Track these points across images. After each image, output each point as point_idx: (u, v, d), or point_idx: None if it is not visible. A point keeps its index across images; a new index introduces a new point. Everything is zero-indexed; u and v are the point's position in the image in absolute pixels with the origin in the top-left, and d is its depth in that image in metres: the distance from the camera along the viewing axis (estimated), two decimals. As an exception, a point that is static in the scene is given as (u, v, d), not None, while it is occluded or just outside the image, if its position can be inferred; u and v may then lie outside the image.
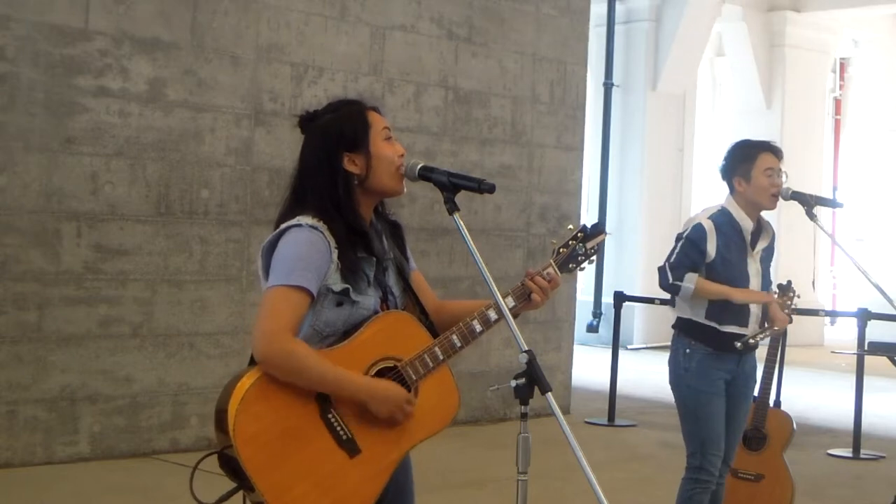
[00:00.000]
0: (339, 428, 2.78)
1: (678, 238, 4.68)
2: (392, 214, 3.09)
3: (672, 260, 4.61)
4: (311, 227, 2.83)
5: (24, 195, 6.34)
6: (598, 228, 3.08)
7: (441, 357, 2.88)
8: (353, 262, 2.86)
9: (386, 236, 3.02)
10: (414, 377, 2.85)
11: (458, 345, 2.89)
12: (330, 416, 2.77)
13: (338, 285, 2.84)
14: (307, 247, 2.81)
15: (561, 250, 3.04)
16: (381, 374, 2.85)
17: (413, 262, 3.12)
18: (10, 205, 6.29)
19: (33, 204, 6.37)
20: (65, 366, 6.46)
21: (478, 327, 2.91)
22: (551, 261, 3.03)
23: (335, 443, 2.77)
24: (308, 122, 2.99)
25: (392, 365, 2.86)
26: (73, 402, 6.50)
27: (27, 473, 6.20)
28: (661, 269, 4.63)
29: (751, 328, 4.63)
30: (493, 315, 2.92)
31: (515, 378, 2.71)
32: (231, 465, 2.72)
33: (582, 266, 3.07)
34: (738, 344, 4.57)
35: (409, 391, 2.85)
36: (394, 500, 2.96)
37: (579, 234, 3.05)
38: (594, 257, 3.07)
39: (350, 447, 2.78)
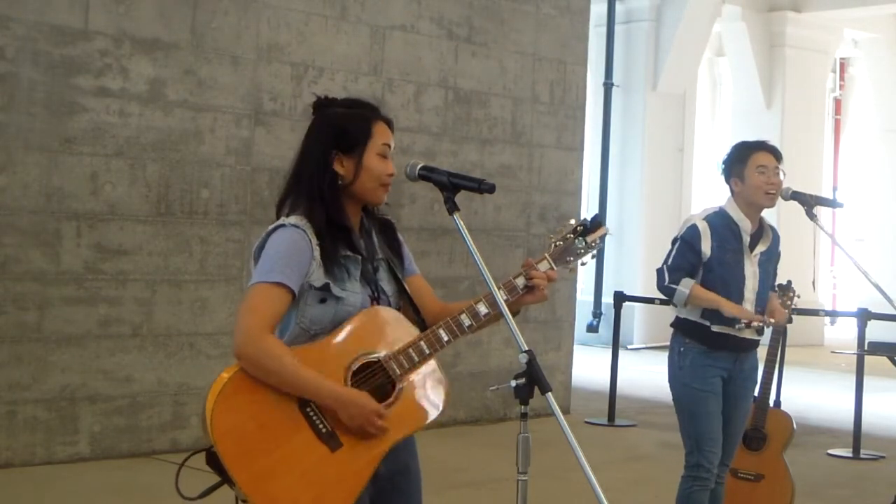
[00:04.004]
0: (318, 422, 2.78)
1: (674, 241, 4.69)
2: (383, 213, 3.08)
3: (669, 263, 4.62)
4: (294, 226, 2.86)
5: (24, 195, 6.34)
6: (598, 222, 3.04)
7: (427, 351, 2.86)
8: (334, 258, 2.86)
9: (376, 235, 3.01)
10: (398, 371, 2.84)
11: (445, 339, 2.87)
12: (309, 409, 2.78)
13: (318, 281, 2.84)
14: (288, 245, 2.84)
15: (557, 244, 3.01)
16: (364, 368, 2.83)
17: (413, 265, 3.11)
18: (10, 205, 6.29)
19: (33, 204, 6.37)
20: (65, 366, 6.46)
21: (466, 321, 2.89)
22: (546, 255, 3.00)
23: (315, 436, 2.77)
24: (320, 107, 3.00)
25: (376, 359, 2.84)
26: (73, 402, 6.50)
27: (27, 473, 6.20)
28: (659, 272, 4.64)
29: (745, 330, 4.63)
30: (483, 309, 2.90)
31: (515, 378, 2.70)
32: (216, 462, 2.74)
33: (583, 261, 3.03)
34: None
35: (395, 385, 2.83)
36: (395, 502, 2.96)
37: (579, 228, 3.01)
38: (595, 252, 3.03)
39: (331, 441, 2.78)
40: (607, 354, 9.17)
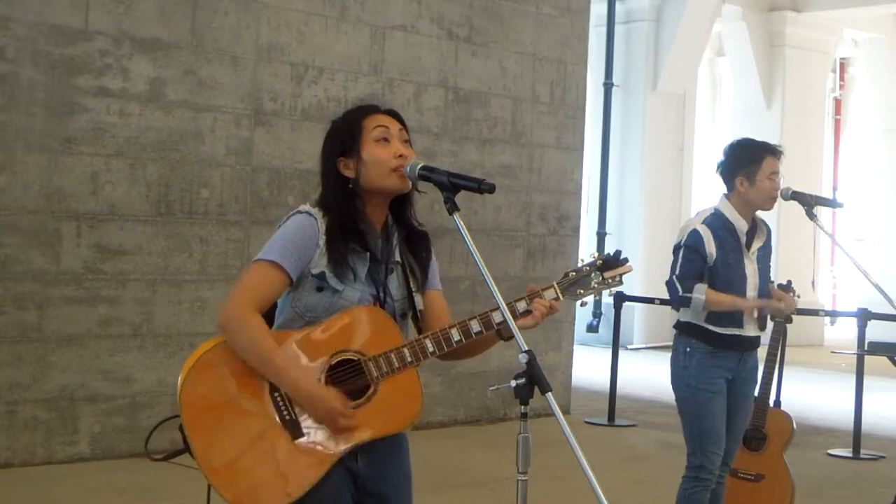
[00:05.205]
0: (283, 408, 2.79)
1: (676, 249, 4.65)
2: (421, 224, 3.07)
3: (678, 273, 4.58)
4: (307, 212, 2.91)
5: (24, 195, 6.34)
6: (620, 259, 3.01)
7: (409, 359, 2.85)
8: (339, 250, 2.88)
9: (400, 241, 3.01)
10: (375, 373, 2.83)
11: (430, 349, 2.85)
12: (277, 394, 2.80)
13: (316, 269, 2.87)
14: (293, 229, 2.89)
15: (570, 274, 2.99)
16: (341, 364, 2.83)
17: (436, 281, 3.10)
18: (10, 205, 6.30)
19: (33, 204, 6.37)
20: (65, 366, 6.46)
21: (455, 336, 2.87)
22: (554, 283, 2.98)
23: (279, 421, 2.79)
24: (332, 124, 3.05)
25: (355, 358, 2.84)
26: (73, 402, 6.50)
27: (27, 473, 6.20)
28: (670, 284, 4.60)
29: (748, 328, 4.63)
30: (475, 326, 2.88)
31: (515, 378, 2.70)
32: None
33: (598, 295, 3.01)
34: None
35: (370, 386, 2.82)
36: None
37: (599, 262, 2.99)
38: (612, 289, 3.01)
39: (293, 428, 2.79)
40: (607, 354, 9.16)
